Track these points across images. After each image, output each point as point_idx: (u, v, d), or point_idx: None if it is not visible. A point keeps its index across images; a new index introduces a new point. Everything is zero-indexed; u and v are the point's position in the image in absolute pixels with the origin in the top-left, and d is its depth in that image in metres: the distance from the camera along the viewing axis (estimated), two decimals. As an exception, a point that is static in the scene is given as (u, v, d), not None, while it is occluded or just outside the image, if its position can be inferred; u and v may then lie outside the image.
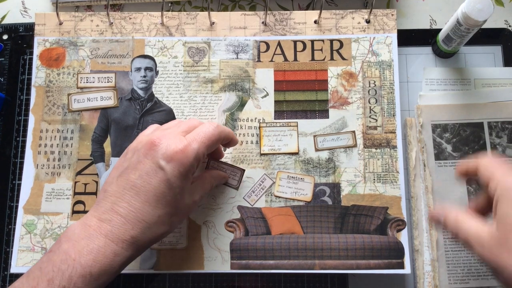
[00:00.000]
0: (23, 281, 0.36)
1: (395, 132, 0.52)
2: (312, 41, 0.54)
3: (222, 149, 0.51)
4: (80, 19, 0.55)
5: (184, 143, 0.40)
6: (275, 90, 0.54)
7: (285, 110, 0.53)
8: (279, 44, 0.54)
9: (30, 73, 0.55)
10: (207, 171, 0.49)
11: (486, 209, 0.40)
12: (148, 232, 0.38)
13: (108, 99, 0.54)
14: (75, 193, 0.52)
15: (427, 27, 0.58)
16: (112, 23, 0.55)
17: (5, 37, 0.57)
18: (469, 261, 0.50)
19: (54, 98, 0.53)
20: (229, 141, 0.47)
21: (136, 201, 0.38)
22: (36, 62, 0.54)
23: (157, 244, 0.50)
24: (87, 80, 0.54)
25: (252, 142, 0.52)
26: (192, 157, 0.39)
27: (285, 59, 0.54)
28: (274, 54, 0.54)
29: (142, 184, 0.38)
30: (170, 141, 0.40)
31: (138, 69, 0.54)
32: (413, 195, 0.51)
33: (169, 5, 0.59)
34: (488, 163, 0.38)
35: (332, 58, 0.54)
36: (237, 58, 0.54)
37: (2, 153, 0.54)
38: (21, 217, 0.51)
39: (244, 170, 0.51)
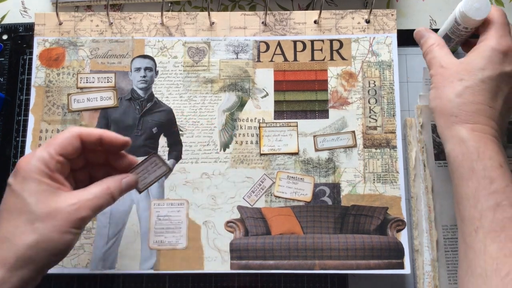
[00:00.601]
0: None
1: (395, 132, 0.52)
2: (312, 41, 0.54)
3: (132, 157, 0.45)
4: (80, 19, 0.55)
5: (29, 153, 0.40)
6: (275, 90, 0.53)
7: (285, 110, 0.53)
8: (279, 44, 0.54)
9: (30, 73, 0.55)
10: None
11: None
12: (11, 246, 0.37)
13: (108, 99, 0.54)
14: (75, 193, 0.51)
15: (427, 27, 0.58)
16: (112, 23, 0.55)
17: (5, 37, 0.57)
18: (469, 261, 0.49)
19: (54, 98, 0.53)
20: (102, 141, 0.41)
21: None
22: (36, 62, 0.54)
23: (157, 244, 0.50)
24: (87, 80, 0.54)
25: (252, 142, 0.52)
26: (34, 159, 0.39)
27: (285, 59, 0.54)
28: (274, 54, 0.54)
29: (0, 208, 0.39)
30: None
31: (138, 69, 0.54)
32: (413, 195, 0.51)
33: (169, 5, 0.59)
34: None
35: (332, 58, 0.54)
36: (237, 58, 0.54)
37: (2, 153, 0.54)
38: (21, 217, 0.51)
39: (156, 152, 0.45)
